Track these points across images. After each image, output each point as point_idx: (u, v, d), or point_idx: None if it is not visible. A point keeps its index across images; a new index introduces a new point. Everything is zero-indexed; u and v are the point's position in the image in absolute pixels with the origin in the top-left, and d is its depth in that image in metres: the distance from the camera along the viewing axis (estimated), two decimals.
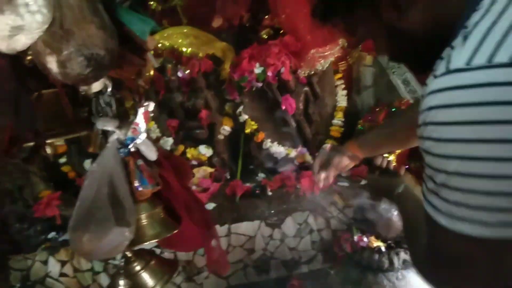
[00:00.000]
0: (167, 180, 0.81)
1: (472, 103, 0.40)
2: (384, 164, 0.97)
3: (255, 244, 1.69)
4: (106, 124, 0.77)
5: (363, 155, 1.01)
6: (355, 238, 1.48)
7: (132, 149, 0.77)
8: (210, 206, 1.67)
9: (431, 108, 0.44)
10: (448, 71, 0.43)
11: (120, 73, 0.79)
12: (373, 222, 1.42)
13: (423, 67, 0.59)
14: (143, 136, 0.77)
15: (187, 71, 1.87)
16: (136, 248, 0.80)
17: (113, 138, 0.76)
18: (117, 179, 0.73)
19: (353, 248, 1.49)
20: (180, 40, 1.91)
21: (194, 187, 1.77)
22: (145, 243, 0.76)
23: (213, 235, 0.92)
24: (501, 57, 0.40)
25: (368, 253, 1.44)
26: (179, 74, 1.87)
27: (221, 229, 1.61)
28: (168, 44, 1.89)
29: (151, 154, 0.78)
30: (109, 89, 0.78)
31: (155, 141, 1.89)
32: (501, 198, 0.41)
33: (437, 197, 0.46)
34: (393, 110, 1.74)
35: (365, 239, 1.46)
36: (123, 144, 0.77)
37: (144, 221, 0.78)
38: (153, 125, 1.90)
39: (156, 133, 1.88)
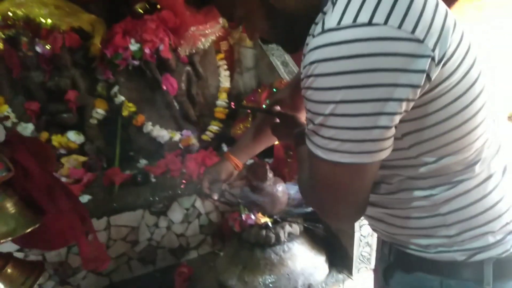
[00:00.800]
0: (23, 166, 0.66)
1: (342, 56, 0.48)
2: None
3: (138, 235, 1.57)
4: None
5: (243, 161, 1.08)
6: (243, 216, 1.48)
7: None
8: (85, 198, 1.49)
9: (311, 62, 0.51)
10: (323, 31, 0.50)
11: None
12: (258, 201, 1.45)
13: (295, 46, 0.68)
14: None
15: (48, 46, 1.62)
16: None
17: None
18: None
19: (242, 227, 1.50)
20: (37, 10, 1.64)
21: (64, 179, 1.55)
22: None
23: (87, 226, 0.80)
24: (362, 18, 0.48)
25: (256, 230, 1.46)
26: (38, 49, 1.61)
27: (98, 223, 1.45)
28: (21, 13, 1.61)
29: None
30: None
31: (12, 129, 1.60)
32: (363, 132, 0.51)
33: (315, 134, 0.55)
34: (274, 90, 1.78)
35: (252, 216, 1.47)
36: None
37: None
38: (6, 109, 1.60)
39: (12, 119, 1.59)
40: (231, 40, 1.93)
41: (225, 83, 1.86)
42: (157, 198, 1.56)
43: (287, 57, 1.92)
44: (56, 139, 1.63)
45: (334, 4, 0.53)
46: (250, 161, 1.73)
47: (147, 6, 1.70)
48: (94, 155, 1.69)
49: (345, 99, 0.50)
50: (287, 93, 1.03)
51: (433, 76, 0.51)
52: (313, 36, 0.52)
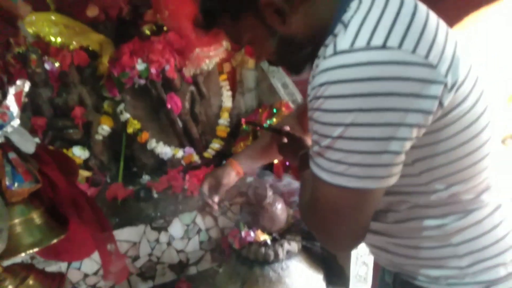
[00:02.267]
0: (49, 177, 0.69)
1: (354, 79, 0.48)
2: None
3: (139, 250, 1.59)
4: None
5: (244, 170, 1.10)
6: (243, 233, 1.52)
7: (1, 140, 0.64)
8: None
9: (322, 84, 0.51)
10: (335, 53, 0.50)
11: None
12: (258, 216, 1.49)
13: (300, 69, 0.68)
14: (15, 123, 0.65)
15: (57, 64, 1.67)
16: (8, 262, 0.66)
17: None
18: None
19: (241, 243, 1.53)
20: (47, 29, 1.69)
21: None
22: (21, 254, 0.63)
23: (109, 237, 0.83)
24: (376, 41, 0.48)
25: (255, 247, 1.49)
26: (47, 66, 1.66)
27: None
28: (31, 31, 1.66)
29: (28, 145, 0.65)
30: None
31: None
32: (372, 156, 0.51)
33: (320, 157, 0.55)
34: (274, 111, 1.84)
35: (252, 233, 1.51)
36: None
37: (18, 228, 0.65)
38: None
39: None
40: (233, 62, 2.00)
41: (227, 103, 1.92)
42: (158, 214, 1.59)
43: (287, 79, 1.99)
44: None
45: (346, 26, 0.52)
46: (250, 179, 1.78)
47: (154, 28, 1.76)
48: (98, 170, 1.72)
49: (356, 122, 0.49)
50: (294, 120, 1.04)
51: (446, 102, 0.51)
52: (324, 58, 0.52)
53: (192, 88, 1.81)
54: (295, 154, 0.88)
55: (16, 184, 0.64)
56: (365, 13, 0.52)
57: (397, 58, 0.47)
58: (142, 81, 1.70)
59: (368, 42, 0.48)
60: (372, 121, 0.49)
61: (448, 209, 0.61)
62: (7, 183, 0.63)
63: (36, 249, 0.65)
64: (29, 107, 1.69)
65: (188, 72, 1.76)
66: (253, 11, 0.59)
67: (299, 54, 0.64)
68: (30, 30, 1.66)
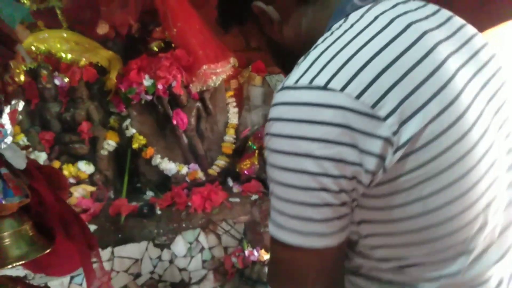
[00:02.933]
0: (38, 192, 0.69)
1: (292, 119, 0.45)
2: None
3: (141, 267, 1.57)
4: None
5: None
6: (246, 253, 1.49)
7: None
8: (91, 228, 1.50)
9: (269, 119, 0.48)
10: (282, 88, 0.47)
11: None
12: (263, 235, 1.45)
13: None
14: (8, 140, 0.67)
15: (66, 79, 1.70)
16: None
17: None
18: None
19: (245, 263, 1.49)
20: (58, 45, 1.73)
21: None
22: (8, 266, 0.64)
23: (94, 254, 0.81)
24: (319, 81, 0.44)
25: (258, 267, 1.45)
26: (57, 82, 1.69)
27: (103, 253, 1.46)
28: (43, 48, 1.70)
29: (19, 161, 0.67)
30: None
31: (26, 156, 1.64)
32: (307, 208, 0.45)
33: (271, 208, 0.50)
34: None
35: (255, 253, 1.47)
36: None
37: (7, 241, 0.66)
38: (22, 137, 1.65)
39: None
40: (240, 79, 2.00)
41: (233, 119, 1.92)
42: (161, 231, 1.57)
43: None
44: (67, 169, 1.67)
45: (304, 58, 0.49)
46: (255, 197, 1.75)
47: (163, 44, 1.79)
48: (103, 185, 1.72)
49: (288, 166, 0.45)
50: None
51: (389, 163, 0.43)
52: (276, 91, 0.49)
53: (199, 104, 1.82)
54: None
55: (6, 199, 0.65)
56: (325, 47, 0.48)
57: (336, 101, 0.42)
58: (149, 97, 1.71)
59: (311, 81, 0.44)
60: (303, 168, 0.44)
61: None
62: None
63: (22, 262, 0.65)
64: (38, 122, 1.72)
65: (195, 88, 1.77)
66: (253, 19, 0.60)
67: (291, 61, 0.58)
68: (42, 47, 1.70)
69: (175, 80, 1.71)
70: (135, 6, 1.65)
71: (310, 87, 0.44)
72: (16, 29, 0.68)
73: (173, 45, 1.78)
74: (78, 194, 1.64)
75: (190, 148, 1.83)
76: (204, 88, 1.79)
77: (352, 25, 0.49)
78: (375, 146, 0.43)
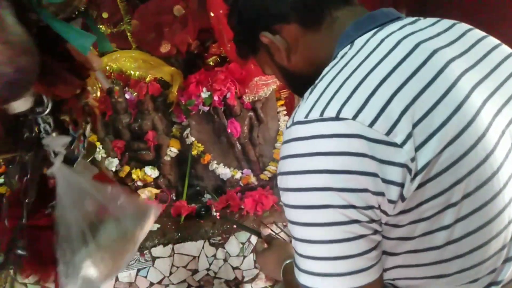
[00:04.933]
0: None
1: (309, 153, 0.42)
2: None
3: (198, 264, 1.72)
4: (55, 144, 0.74)
5: None
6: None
7: None
8: (154, 227, 1.69)
9: (283, 158, 0.46)
10: (293, 123, 0.46)
11: (54, 92, 0.74)
12: None
13: None
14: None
15: (135, 94, 1.91)
16: None
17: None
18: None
19: None
20: (128, 64, 1.95)
21: None
22: None
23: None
24: (330, 111, 0.43)
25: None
26: (127, 96, 1.90)
27: (164, 249, 1.63)
28: (116, 66, 1.92)
29: None
30: (47, 108, 0.74)
31: (100, 162, 1.88)
32: (345, 244, 0.43)
33: (296, 255, 0.47)
34: None
35: None
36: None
37: None
38: (98, 145, 1.89)
39: (101, 154, 1.88)
40: None
41: (284, 127, 2.00)
42: (216, 231, 1.71)
43: None
44: (136, 173, 1.88)
45: (311, 91, 0.47)
46: None
47: (218, 59, 1.93)
48: (166, 188, 1.90)
49: (311, 203, 0.43)
50: None
51: (407, 191, 0.41)
52: (286, 128, 0.48)
53: (251, 113, 1.93)
54: (277, 264, 0.74)
55: None
56: (333, 76, 0.46)
57: (350, 130, 0.41)
58: (206, 108, 1.86)
59: (322, 113, 0.43)
60: (328, 202, 0.42)
61: None
62: None
63: None
64: (111, 131, 1.95)
65: (247, 99, 1.89)
66: (264, 48, 0.64)
67: (303, 88, 0.58)
68: (115, 66, 1.93)
69: (230, 91, 1.84)
70: (194, 26, 1.80)
71: (321, 119, 0.43)
72: (89, 57, 0.79)
73: (227, 59, 1.91)
74: (145, 195, 1.84)
75: (243, 154, 1.95)
76: (256, 98, 1.90)
77: (358, 51, 0.48)
78: (396, 174, 0.40)
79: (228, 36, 1.84)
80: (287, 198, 0.46)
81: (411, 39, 0.47)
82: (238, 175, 1.92)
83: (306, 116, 0.44)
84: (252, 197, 1.80)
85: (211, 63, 1.93)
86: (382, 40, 0.48)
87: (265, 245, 0.84)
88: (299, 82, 0.63)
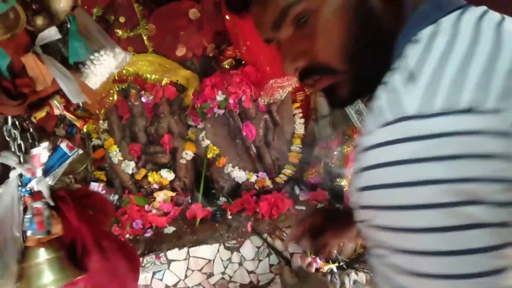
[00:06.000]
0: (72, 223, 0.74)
1: (437, 156, 0.33)
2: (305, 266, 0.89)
3: (213, 267, 1.71)
4: (5, 159, 0.72)
5: None
6: (309, 260, 1.54)
7: (37, 189, 0.73)
8: (170, 230, 1.69)
9: (389, 164, 0.36)
10: (397, 120, 0.35)
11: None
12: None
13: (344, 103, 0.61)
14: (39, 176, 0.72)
15: (151, 97, 1.92)
16: None
17: (14, 174, 0.72)
18: (8, 220, 0.68)
19: None
20: (144, 67, 1.96)
21: (154, 211, 1.79)
22: None
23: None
24: (461, 102, 0.33)
25: (320, 275, 1.50)
26: (143, 99, 1.92)
27: (179, 253, 1.63)
28: (132, 70, 1.94)
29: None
30: (10, 122, 0.73)
31: (117, 165, 1.90)
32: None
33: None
34: (346, 137, 1.86)
35: (318, 260, 1.52)
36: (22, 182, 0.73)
37: (39, 268, 0.72)
38: (115, 148, 1.91)
39: (118, 157, 1.90)
40: (308, 91, 2.07)
41: (300, 129, 1.99)
42: (231, 234, 1.70)
43: (361, 106, 1.98)
44: (152, 176, 1.89)
45: (412, 79, 0.37)
46: (320, 205, 1.80)
47: (234, 62, 1.93)
48: (181, 191, 1.91)
49: (449, 224, 0.36)
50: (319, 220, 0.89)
51: None
52: (378, 126, 0.38)
53: (266, 116, 1.92)
54: (346, 223, 0.71)
55: (29, 232, 0.72)
56: (438, 58, 0.36)
57: (494, 128, 0.32)
58: (221, 111, 1.86)
59: (445, 103, 0.34)
60: (461, 223, 0.35)
61: None
62: (24, 228, 0.72)
63: None
64: (128, 134, 1.97)
65: (263, 101, 1.88)
66: None
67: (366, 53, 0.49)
68: (131, 69, 1.95)
69: (245, 94, 1.84)
70: (209, 30, 1.81)
71: (448, 112, 0.33)
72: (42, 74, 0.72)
73: (243, 62, 1.91)
74: (161, 198, 1.85)
75: (258, 157, 1.94)
76: (271, 101, 1.89)
77: (454, 34, 0.39)
78: None
79: (243, 39, 1.84)
80: (406, 219, 0.37)
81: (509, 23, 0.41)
82: (253, 178, 1.91)
83: (420, 109, 0.35)
84: (267, 200, 1.79)
85: (227, 66, 1.93)
86: (480, 25, 0.40)
87: (294, 276, 0.74)
88: (372, 39, 0.50)
